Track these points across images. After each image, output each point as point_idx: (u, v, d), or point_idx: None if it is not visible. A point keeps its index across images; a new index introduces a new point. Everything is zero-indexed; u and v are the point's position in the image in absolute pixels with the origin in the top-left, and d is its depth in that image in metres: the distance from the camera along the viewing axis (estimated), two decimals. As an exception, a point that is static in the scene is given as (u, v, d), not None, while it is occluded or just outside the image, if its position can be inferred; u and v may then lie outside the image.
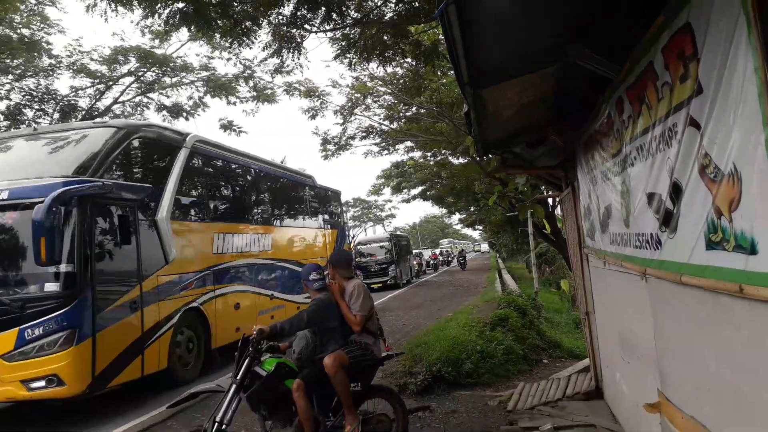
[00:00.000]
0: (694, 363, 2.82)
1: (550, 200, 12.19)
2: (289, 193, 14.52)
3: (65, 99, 18.46)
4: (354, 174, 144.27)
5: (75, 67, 17.82)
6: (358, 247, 26.95)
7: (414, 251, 42.79)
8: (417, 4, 7.96)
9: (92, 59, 17.97)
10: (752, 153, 1.85)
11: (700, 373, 2.74)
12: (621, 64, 3.37)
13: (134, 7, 7.37)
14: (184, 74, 19.06)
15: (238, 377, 4.53)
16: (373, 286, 25.76)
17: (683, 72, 2.37)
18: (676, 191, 2.62)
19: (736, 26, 1.87)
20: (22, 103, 17.83)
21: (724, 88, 2.01)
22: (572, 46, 3.46)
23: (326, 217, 16.66)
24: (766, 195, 1.81)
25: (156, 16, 7.42)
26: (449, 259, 51.84)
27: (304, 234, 14.70)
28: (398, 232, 45.35)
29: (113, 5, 7.30)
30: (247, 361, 4.58)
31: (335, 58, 9.28)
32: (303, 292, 12.00)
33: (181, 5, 7.01)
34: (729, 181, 2.05)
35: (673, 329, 3.17)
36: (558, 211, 11.58)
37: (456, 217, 52.56)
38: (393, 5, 8.45)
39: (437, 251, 52.07)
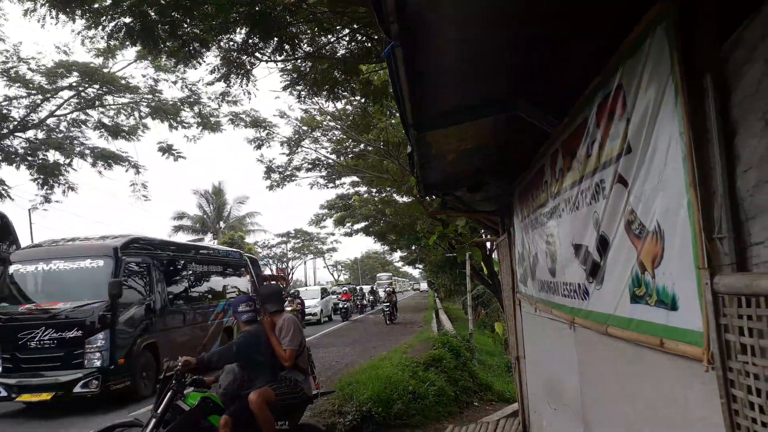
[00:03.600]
0: (616, 414, 2.87)
1: (488, 244, 12.43)
2: None
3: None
4: (299, 207, 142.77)
5: (9, 75, 16.97)
6: (14, 266, 10.47)
7: (298, 289, 28.56)
8: (369, 44, 8.10)
9: (30, 69, 17.18)
10: (675, 213, 1.93)
11: (622, 425, 2.78)
12: (561, 121, 3.50)
13: (76, 17, 7.10)
14: (131, 96, 18.45)
15: (159, 411, 4.30)
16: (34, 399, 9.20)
17: (614, 130, 2.47)
18: (603, 244, 2.70)
19: (665, 92, 1.96)
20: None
21: (651, 149, 2.10)
22: (517, 101, 3.60)
23: None
24: (686, 254, 1.88)
25: (99, 28, 7.17)
26: (364, 303, 35.53)
27: None
28: (196, 242, 26.13)
29: (53, 12, 7.02)
30: (169, 394, 4.36)
31: (285, 88, 9.27)
32: None
33: (127, 20, 6.81)
34: (653, 238, 2.12)
35: (597, 379, 3.23)
36: (495, 255, 11.82)
37: (398, 254, 52.17)
38: (346, 43, 8.57)
39: (347, 290, 36.42)
